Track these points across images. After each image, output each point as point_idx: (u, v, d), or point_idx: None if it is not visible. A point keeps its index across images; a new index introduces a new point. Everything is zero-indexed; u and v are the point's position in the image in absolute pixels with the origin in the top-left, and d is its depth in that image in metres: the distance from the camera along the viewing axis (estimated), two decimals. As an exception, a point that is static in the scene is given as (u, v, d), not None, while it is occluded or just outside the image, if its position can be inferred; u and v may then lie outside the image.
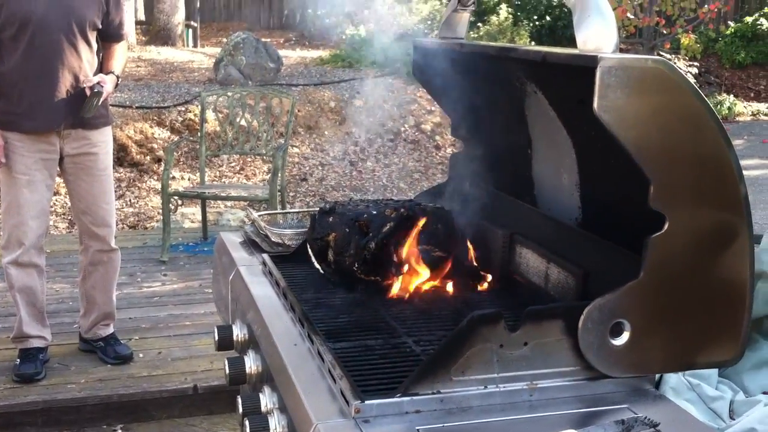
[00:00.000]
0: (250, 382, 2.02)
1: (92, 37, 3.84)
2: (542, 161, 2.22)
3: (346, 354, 1.74)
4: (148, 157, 8.20)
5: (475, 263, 2.18)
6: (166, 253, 5.84)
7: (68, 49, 3.73)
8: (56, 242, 6.24)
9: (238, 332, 2.19)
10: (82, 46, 3.78)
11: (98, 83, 3.76)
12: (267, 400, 1.82)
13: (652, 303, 1.59)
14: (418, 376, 1.53)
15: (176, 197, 6.14)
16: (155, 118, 8.65)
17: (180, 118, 8.74)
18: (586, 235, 1.90)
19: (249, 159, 8.63)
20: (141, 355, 4.35)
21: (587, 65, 1.49)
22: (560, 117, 1.97)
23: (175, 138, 8.30)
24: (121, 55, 4.00)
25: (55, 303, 4.97)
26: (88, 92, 3.75)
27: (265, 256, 2.38)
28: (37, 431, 3.88)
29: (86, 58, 3.82)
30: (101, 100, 3.76)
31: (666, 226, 1.55)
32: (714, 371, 2.88)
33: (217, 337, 2.21)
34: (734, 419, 2.53)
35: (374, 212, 2.06)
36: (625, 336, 1.60)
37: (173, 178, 8.02)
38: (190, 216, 7.31)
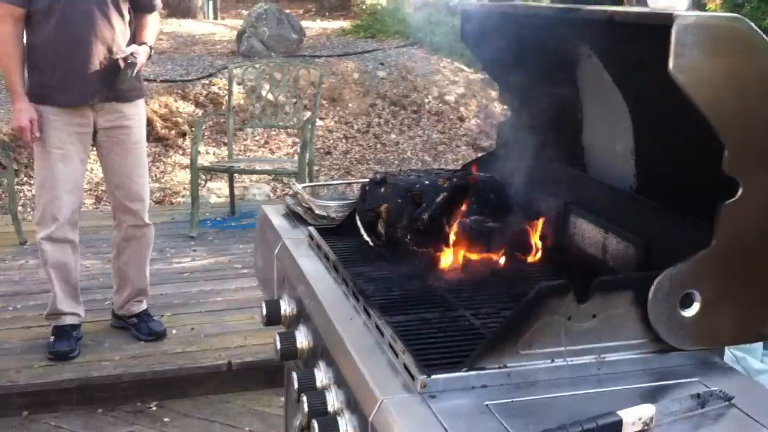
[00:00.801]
0: (302, 357, 1.98)
1: (125, 7, 3.80)
2: (594, 128, 2.16)
3: (404, 328, 1.70)
4: (173, 132, 8.17)
5: (528, 234, 2.12)
6: (195, 229, 5.83)
7: (101, 20, 3.69)
8: (85, 218, 6.17)
9: (286, 307, 2.15)
10: (114, 17, 3.73)
11: (132, 54, 3.72)
12: (323, 375, 1.78)
13: (723, 272, 1.54)
14: (484, 349, 1.49)
15: (203, 172, 6.10)
16: (179, 91, 8.61)
17: (204, 92, 8.70)
18: (646, 202, 1.84)
19: (273, 133, 8.58)
20: (174, 332, 4.34)
21: (663, 24, 1.43)
22: (616, 81, 1.91)
23: (200, 112, 8.27)
24: (153, 26, 3.95)
25: (86, 280, 4.96)
26: (121, 64, 3.71)
27: (311, 228, 2.34)
28: (72, 409, 3.88)
29: (119, 29, 3.77)
30: (135, 71, 3.72)
31: (740, 193, 1.49)
32: (759, 343, 2.82)
33: (265, 312, 2.17)
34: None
35: (427, 182, 2.01)
36: (696, 307, 1.55)
37: (198, 152, 8.00)
38: (216, 191, 7.29)
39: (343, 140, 8.91)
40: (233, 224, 6.13)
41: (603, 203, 2.01)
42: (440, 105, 9.77)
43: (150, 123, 8.11)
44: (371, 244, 2.13)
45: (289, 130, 7.59)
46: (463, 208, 2.00)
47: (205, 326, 4.45)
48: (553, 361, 1.51)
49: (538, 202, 2.18)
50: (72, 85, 3.71)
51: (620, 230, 1.89)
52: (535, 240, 2.12)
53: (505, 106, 2.41)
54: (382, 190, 2.02)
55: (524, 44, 2.16)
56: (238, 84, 7.52)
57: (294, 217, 2.53)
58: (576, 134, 2.19)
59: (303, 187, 2.59)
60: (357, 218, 2.15)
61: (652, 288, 1.52)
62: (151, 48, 3.89)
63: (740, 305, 1.57)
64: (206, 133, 8.31)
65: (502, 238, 2.06)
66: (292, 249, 2.26)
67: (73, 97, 3.74)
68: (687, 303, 1.54)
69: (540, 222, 2.13)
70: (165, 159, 7.96)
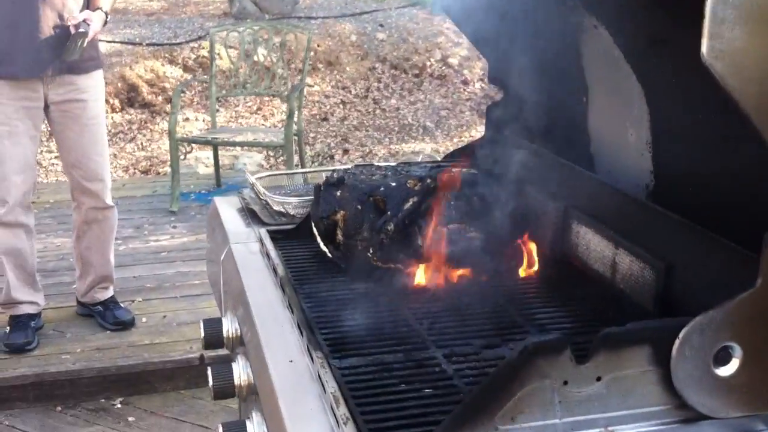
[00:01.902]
0: (241, 396, 1.62)
1: (76, -31, 3.39)
2: (601, 113, 1.80)
3: (355, 378, 1.34)
4: (160, 98, 7.76)
5: (520, 244, 1.74)
6: (175, 203, 5.45)
7: (49, -16, 3.29)
8: (60, 191, 5.84)
9: (229, 327, 1.79)
10: (65, -20, 3.33)
11: (84, 21, 3.32)
12: (256, 429, 1.42)
13: (772, 320, 1.16)
14: (450, 425, 1.11)
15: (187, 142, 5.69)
16: (167, 55, 8.19)
17: (193, 56, 8.28)
18: (667, 216, 1.46)
19: (266, 98, 8.17)
20: (144, 320, 3.99)
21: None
22: (628, 58, 1.54)
23: (189, 77, 7.85)
24: (109, -11, 3.54)
25: (55, 260, 4.62)
26: (72, 31, 3.31)
27: (263, 231, 1.97)
28: (28, 407, 3.55)
29: (70, -8, 3.37)
30: (87, 40, 3.32)
31: (795, 217, 1.11)
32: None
33: (203, 333, 1.81)
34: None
35: (393, 184, 1.63)
36: (735, 364, 1.18)
37: (186, 119, 7.62)
38: (204, 160, 6.89)
39: (341, 106, 8.49)
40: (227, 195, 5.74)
41: (613, 210, 1.63)
42: (443, 68, 9.32)
43: (135, 89, 7.72)
44: (330, 255, 1.75)
45: (282, 96, 7.18)
46: (439, 214, 1.62)
47: (179, 313, 4.10)
48: (543, 437, 1.14)
49: (533, 204, 1.80)
50: (18, 56, 3.33)
51: (634, 247, 1.51)
52: (529, 251, 1.74)
53: (497, 87, 2.01)
54: (339, 193, 1.64)
55: (517, 12, 1.76)
56: (229, 47, 7.07)
57: (249, 214, 2.15)
58: (580, 121, 1.81)
59: (259, 178, 2.21)
60: (312, 225, 1.77)
61: (677, 342, 1.14)
62: (106, 14, 3.49)
63: (792, 360, 1.19)
64: (195, 99, 7.91)
65: (488, 251, 1.68)
66: (238, 257, 1.89)
67: (19, 70, 3.36)
68: (723, 359, 1.17)
69: (535, 229, 1.75)
70: (152, 126, 7.56)
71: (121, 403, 3.62)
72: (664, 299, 1.41)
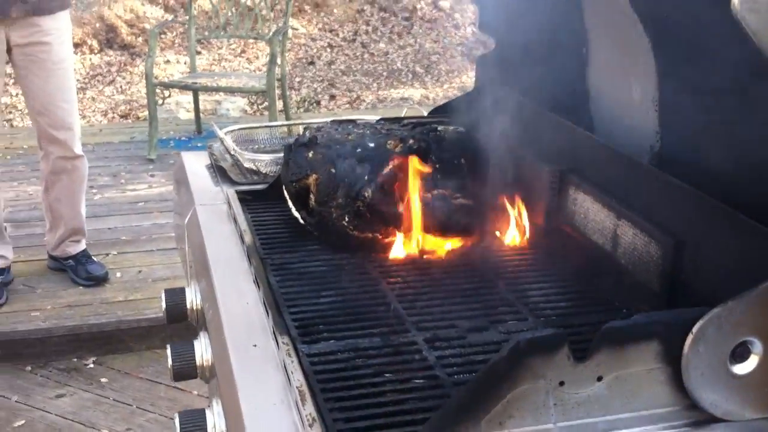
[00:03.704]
0: (203, 377, 1.48)
1: None
2: (603, 66, 1.66)
3: (325, 366, 1.19)
4: (139, 39, 7.52)
5: (511, 211, 1.59)
6: (153, 151, 5.26)
7: None
8: (34, 137, 5.63)
9: (193, 299, 1.64)
10: None
11: (47, -43, 3.10)
12: (216, 420, 1.28)
13: (797, 311, 1.01)
14: (431, 430, 0.97)
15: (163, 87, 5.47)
16: (147, -6, 7.91)
17: (174, -6, 8.00)
18: (676, 184, 1.30)
19: (251, 41, 7.92)
20: (118, 275, 3.83)
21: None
22: (635, 4, 1.39)
23: (170, 17, 7.58)
24: None
25: (26, 209, 4.45)
26: (36, -32, 3.09)
27: (231, 192, 1.81)
28: (-4, 366, 3.40)
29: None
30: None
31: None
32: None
33: (164, 305, 1.66)
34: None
35: (371, 144, 1.46)
36: (753, 360, 1.04)
37: (168, 62, 7.38)
38: (185, 105, 6.67)
39: (328, 49, 8.26)
40: (199, 145, 5.55)
41: (614, 174, 1.47)
42: (434, 11, 9.08)
43: (114, 29, 7.47)
44: (302, 221, 1.59)
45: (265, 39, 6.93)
46: (423, 178, 1.46)
47: (155, 268, 3.94)
48: (536, 444, 1.00)
49: (526, 167, 1.63)
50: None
51: (638, 218, 1.36)
52: (521, 220, 1.58)
53: (487, 35, 1.83)
54: (310, 154, 1.47)
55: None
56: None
57: (218, 171, 1.99)
58: (579, 74, 1.65)
59: (229, 131, 2.04)
60: (284, 188, 1.61)
61: (691, 337, 1.00)
62: (73, -51, 3.27)
63: (818, 355, 1.05)
64: (176, 41, 7.66)
65: (476, 219, 1.53)
66: (203, 221, 1.73)
67: (-22, 9, 3.13)
68: (741, 356, 1.03)
69: (528, 195, 1.59)
70: (131, 68, 7.33)
71: (93, 362, 3.49)
72: (673, 279, 1.27)
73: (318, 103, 7.41)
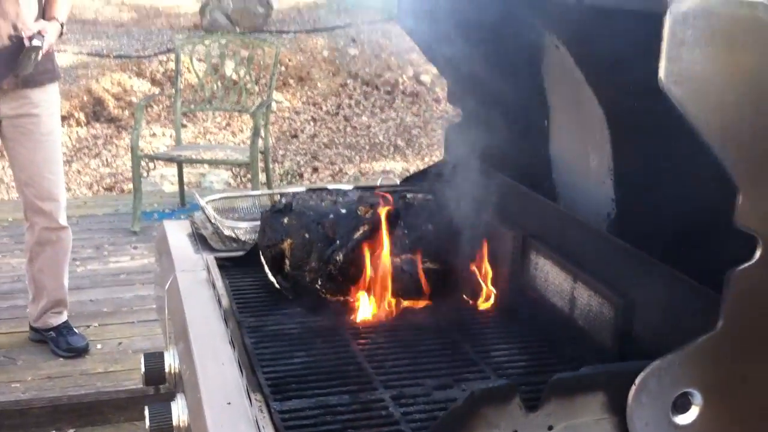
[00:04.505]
0: (180, 436, 1.53)
1: (31, -22, 3.27)
2: (563, 137, 1.74)
3: (296, 422, 1.25)
4: (126, 112, 7.63)
5: (476, 275, 1.66)
6: (137, 223, 5.31)
7: (2, -8, 3.17)
8: (19, 209, 5.68)
9: (171, 362, 1.69)
10: (19, -11, 3.21)
11: (38, 33, 3.20)
12: (192, 477, 1.33)
13: (733, 364, 1.09)
14: (391, 478, 1.03)
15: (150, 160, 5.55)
16: (134, 68, 8.06)
17: (161, 69, 8.15)
18: (628, 249, 1.39)
19: (236, 114, 8.06)
20: (99, 347, 3.84)
21: (651, 10, 0.97)
22: (589, 80, 1.48)
23: (157, 91, 7.72)
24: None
25: (9, 282, 4.46)
26: (26, 44, 3.19)
27: (211, 258, 1.88)
28: (-25, 438, 3.40)
29: (24, 2, 3.24)
30: (40, 55, 3.21)
31: (758, 254, 1.05)
32: None
33: (143, 368, 1.72)
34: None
35: (343, 211, 1.54)
36: (694, 411, 1.11)
37: (153, 135, 7.49)
38: (170, 178, 6.75)
39: (311, 122, 8.39)
40: (182, 217, 5.60)
41: (572, 240, 1.56)
42: (415, 85, 9.25)
43: (101, 102, 7.59)
44: (277, 285, 1.66)
45: (250, 112, 7.07)
46: (392, 244, 1.54)
47: (135, 340, 3.95)
48: (491, 492, 1.05)
49: (491, 233, 1.72)
50: (-33, 67, 3.19)
51: (594, 281, 1.44)
52: (486, 283, 1.66)
53: (455, 107, 1.94)
54: (285, 220, 1.55)
55: (477, 32, 1.69)
56: (199, 61, 6.94)
57: (198, 239, 2.06)
58: (542, 145, 1.75)
59: (210, 201, 2.12)
60: (260, 253, 1.68)
61: (634, 388, 1.07)
62: (62, 24, 3.37)
63: (755, 407, 1.12)
64: (162, 114, 7.78)
65: (443, 283, 1.60)
66: (182, 287, 1.80)
67: (-32, 81, 3.22)
68: (682, 407, 1.10)
69: (492, 260, 1.67)
70: (117, 141, 7.42)
71: (73, 433, 3.49)
72: (624, 337, 1.34)
73: (301, 175, 7.52)
